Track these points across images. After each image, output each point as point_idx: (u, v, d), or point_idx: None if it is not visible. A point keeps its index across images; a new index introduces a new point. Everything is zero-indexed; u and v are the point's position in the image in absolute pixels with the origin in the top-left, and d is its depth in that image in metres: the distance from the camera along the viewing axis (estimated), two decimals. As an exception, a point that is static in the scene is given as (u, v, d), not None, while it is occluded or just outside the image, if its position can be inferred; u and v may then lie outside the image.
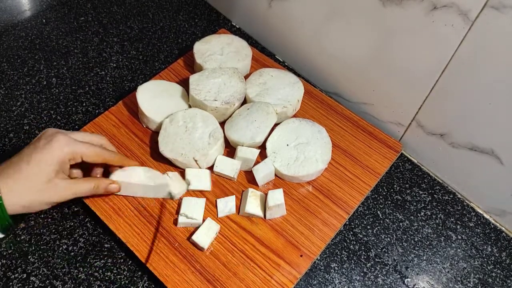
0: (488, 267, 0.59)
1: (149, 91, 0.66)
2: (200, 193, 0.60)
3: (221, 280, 0.54)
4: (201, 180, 0.60)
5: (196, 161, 0.60)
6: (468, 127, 0.59)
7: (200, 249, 0.55)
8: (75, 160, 0.54)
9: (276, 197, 0.58)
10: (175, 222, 0.58)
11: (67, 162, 0.54)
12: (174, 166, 0.62)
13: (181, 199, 0.59)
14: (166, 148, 0.60)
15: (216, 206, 0.59)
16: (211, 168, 0.62)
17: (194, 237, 0.55)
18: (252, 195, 0.59)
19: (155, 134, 0.66)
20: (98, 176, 0.59)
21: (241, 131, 0.63)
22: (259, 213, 0.58)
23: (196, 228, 0.56)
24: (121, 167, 0.59)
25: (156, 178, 0.58)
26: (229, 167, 0.61)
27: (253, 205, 0.58)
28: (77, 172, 0.58)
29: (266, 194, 0.59)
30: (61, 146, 0.53)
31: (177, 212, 0.58)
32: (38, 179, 0.52)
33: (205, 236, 0.55)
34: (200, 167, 0.61)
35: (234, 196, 0.60)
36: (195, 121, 0.63)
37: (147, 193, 0.59)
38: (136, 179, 0.58)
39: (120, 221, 0.57)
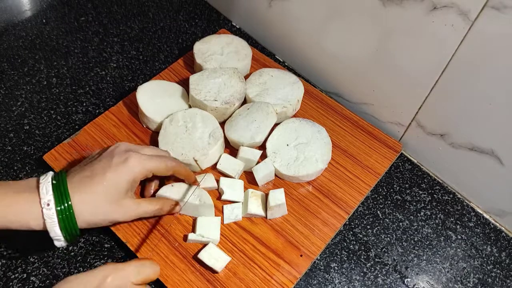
0: (488, 267, 0.59)
1: (149, 91, 0.66)
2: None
3: (221, 280, 0.54)
4: (235, 190, 0.60)
5: (196, 161, 0.60)
6: (468, 127, 0.59)
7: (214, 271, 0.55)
8: (146, 176, 0.53)
9: (277, 197, 0.58)
10: (185, 238, 0.57)
11: (138, 181, 0.53)
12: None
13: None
14: (166, 148, 0.60)
15: (222, 212, 0.59)
16: (212, 167, 0.62)
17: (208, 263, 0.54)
18: (252, 196, 0.59)
19: (155, 134, 0.66)
20: (152, 191, 0.58)
21: (241, 131, 0.63)
22: (261, 212, 0.58)
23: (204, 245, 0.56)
24: (182, 180, 0.58)
25: (203, 198, 0.58)
26: (232, 167, 0.61)
27: (254, 205, 0.58)
28: (148, 186, 0.58)
29: (267, 194, 0.59)
30: (135, 166, 0.51)
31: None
32: (110, 199, 0.50)
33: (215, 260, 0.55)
34: (200, 167, 0.61)
35: (241, 203, 0.60)
36: (195, 121, 0.63)
37: (188, 211, 0.59)
38: (185, 196, 0.57)
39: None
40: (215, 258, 0.54)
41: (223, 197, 0.59)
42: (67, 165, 0.62)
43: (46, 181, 0.48)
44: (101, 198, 0.50)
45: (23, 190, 0.48)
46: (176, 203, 0.57)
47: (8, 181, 0.51)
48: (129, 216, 0.53)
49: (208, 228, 0.56)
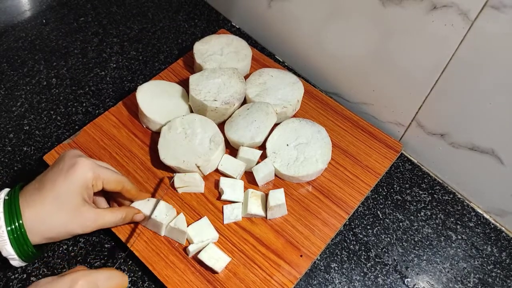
0: (488, 267, 0.59)
1: (149, 91, 0.66)
2: (194, 195, 0.60)
3: (221, 280, 0.54)
4: (235, 190, 0.59)
5: (198, 167, 0.59)
6: (468, 127, 0.59)
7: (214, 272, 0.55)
8: (97, 186, 0.51)
9: (277, 196, 0.58)
10: (187, 252, 0.56)
11: (91, 187, 0.50)
12: (174, 172, 0.62)
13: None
14: (167, 156, 0.60)
15: (222, 212, 0.59)
16: (214, 172, 0.62)
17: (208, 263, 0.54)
18: (253, 196, 0.59)
19: (155, 134, 0.66)
20: (104, 203, 0.56)
21: (241, 131, 0.63)
22: (261, 212, 0.58)
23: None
24: (131, 201, 0.56)
25: (178, 223, 0.56)
26: (234, 168, 0.61)
27: (254, 206, 0.58)
28: (100, 200, 0.56)
29: (267, 194, 0.59)
30: (85, 170, 0.49)
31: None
32: (63, 208, 0.48)
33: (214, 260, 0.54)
34: (203, 173, 0.61)
35: (241, 203, 0.59)
36: (194, 127, 0.62)
37: (158, 230, 0.57)
38: (155, 213, 0.55)
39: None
40: (215, 258, 0.54)
41: (223, 197, 0.59)
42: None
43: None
44: (53, 208, 0.48)
45: None
46: (138, 211, 0.55)
47: None
48: (90, 227, 0.51)
49: (201, 231, 0.56)
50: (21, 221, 0.46)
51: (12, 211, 0.46)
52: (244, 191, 0.61)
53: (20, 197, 0.48)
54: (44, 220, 0.48)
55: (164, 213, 0.55)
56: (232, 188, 0.59)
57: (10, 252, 0.46)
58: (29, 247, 0.47)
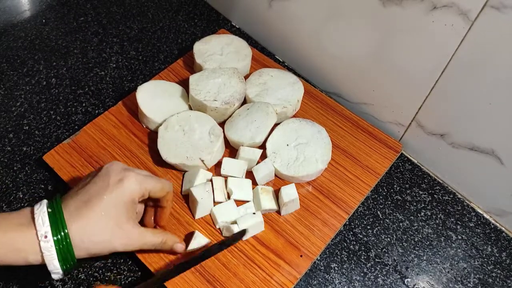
0: (488, 267, 0.59)
1: (149, 91, 0.66)
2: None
3: (221, 281, 0.54)
4: (243, 189, 0.59)
5: (202, 161, 0.60)
6: (468, 127, 0.59)
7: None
8: (143, 197, 0.50)
9: (290, 192, 0.58)
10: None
11: (137, 201, 0.50)
12: (176, 169, 0.62)
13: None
14: (168, 154, 0.60)
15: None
16: (215, 167, 0.62)
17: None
18: (263, 192, 0.59)
19: (155, 134, 0.65)
20: (153, 219, 0.56)
21: (241, 131, 0.63)
22: (274, 206, 0.59)
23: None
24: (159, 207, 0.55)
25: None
26: (237, 169, 0.61)
27: (267, 201, 0.58)
28: (140, 207, 0.55)
29: (276, 190, 0.59)
30: (132, 185, 0.48)
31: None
32: (110, 224, 0.47)
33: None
34: (206, 167, 0.61)
35: (252, 201, 0.59)
36: (190, 123, 0.62)
37: None
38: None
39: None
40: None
41: (232, 197, 0.59)
42: (67, 166, 0.61)
43: (42, 211, 0.45)
44: (99, 223, 0.47)
45: (19, 223, 0.45)
46: (179, 240, 0.54)
47: (1, 213, 0.47)
48: (132, 245, 0.50)
49: (227, 213, 0.57)
50: (66, 231, 0.45)
51: (58, 224, 0.45)
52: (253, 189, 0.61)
53: (63, 209, 0.46)
54: (90, 234, 0.46)
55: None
56: (240, 188, 0.59)
57: (56, 266, 0.45)
58: (72, 259, 0.46)
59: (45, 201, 0.47)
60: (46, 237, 0.44)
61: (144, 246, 0.51)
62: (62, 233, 0.45)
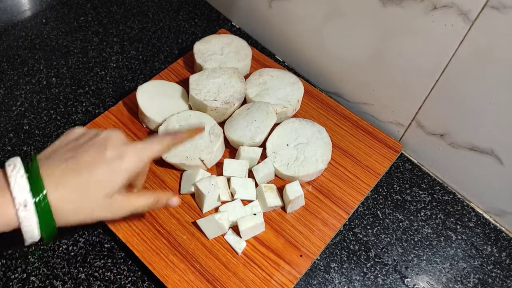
0: (488, 267, 0.59)
1: (149, 91, 0.66)
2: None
3: (221, 280, 0.54)
4: (247, 188, 0.60)
5: (202, 161, 0.60)
6: (468, 127, 0.59)
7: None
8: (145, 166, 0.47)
9: (295, 189, 0.58)
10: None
11: (135, 174, 0.46)
12: (175, 169, 0.62)
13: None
14: (168, 154, 0.60)
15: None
16: (216, 166, 0.62)
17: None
18: (267, 189, 0.59)
19: (155, 134, 0.65)
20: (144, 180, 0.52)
21: (241, 131, 0.63)
22: (280, 203, 0.59)
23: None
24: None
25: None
26: (239, 169, 0.61)
27: (272, 198, 0.58)
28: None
29: (279, 188, 0.60)
30: (132, 164, 0.44)
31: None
32: (98, 197, 0.43)
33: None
34: (206, 167, 0.61)
35: (257, 200, 0.60)
36: (190, 123, 0.63)
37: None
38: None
39: (120, 221, 0.57)
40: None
41: (236, 196, 0.59)
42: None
43: (18, 174, 0.40)
44: (88, 196, 0.42)
45: None
46: (173, 195, 0.51)
47: None
48: (120, 213, 0.46)
49: (234, 213, 0.57)
50: (47, 200, 0.40)
51: (38, 191, 0.40)
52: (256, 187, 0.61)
53: (43, 172, 0.41)
54: (75, 206, 0.42)
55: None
56: (244, 187, 0.59)
57: (34, 235, 0.41)
58: (53, 228, 0.42)
59: (19, 161, 0.41)
60: (26, 206, 0.39)
61: (135, 211, 0.48)
62: (42, 202, 0.40)
